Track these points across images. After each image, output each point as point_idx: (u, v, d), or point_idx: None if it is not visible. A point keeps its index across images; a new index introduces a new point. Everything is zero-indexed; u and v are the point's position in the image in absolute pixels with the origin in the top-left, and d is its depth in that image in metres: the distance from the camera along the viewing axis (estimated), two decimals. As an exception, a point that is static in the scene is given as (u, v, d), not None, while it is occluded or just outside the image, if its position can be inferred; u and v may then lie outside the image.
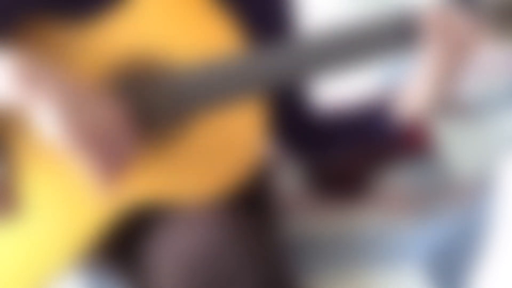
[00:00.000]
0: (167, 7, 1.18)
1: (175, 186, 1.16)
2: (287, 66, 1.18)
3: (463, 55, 1.19)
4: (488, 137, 1.40)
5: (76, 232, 1.17)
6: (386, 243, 1.34)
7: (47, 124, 1.07)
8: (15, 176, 1.18)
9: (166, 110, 1.18)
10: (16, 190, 1.18)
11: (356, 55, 1.18)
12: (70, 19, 1.18)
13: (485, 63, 1.43)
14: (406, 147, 1.27)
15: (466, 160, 1.39)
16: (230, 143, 1.17)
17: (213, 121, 1.18)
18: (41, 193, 1.17)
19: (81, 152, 1.07)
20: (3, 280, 1.17)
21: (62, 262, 1.17)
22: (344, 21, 1.20)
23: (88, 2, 1.19)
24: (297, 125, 1.32)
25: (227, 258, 1.08)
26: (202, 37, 1.18)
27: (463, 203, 1.39)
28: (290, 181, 1.39)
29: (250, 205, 1.20)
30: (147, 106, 1.18)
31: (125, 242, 1.23)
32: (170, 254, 1.10)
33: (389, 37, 1.18)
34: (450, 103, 1.39)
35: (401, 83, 1.25)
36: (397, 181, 1.39)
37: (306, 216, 1.37)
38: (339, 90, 1.42)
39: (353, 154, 1.30)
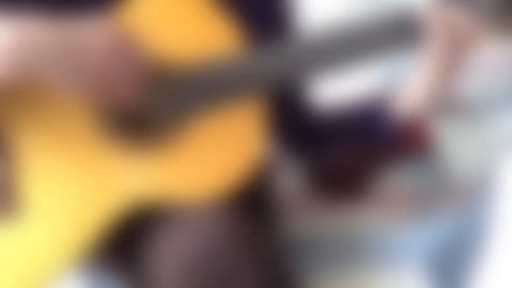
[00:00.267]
0: (167, 7, 1.18)
1: (175, 185, 1.16)
2: (287, 66, 1.18)
3: (463, 54, 1.19)
4: (488, 137, 1.40)
5: (77, 232, 1.17)
6: (386, 243, 1.34)
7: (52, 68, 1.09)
8: (16, 176, 1.18)
9: (166, 110, 1.18)
10: (16, 190, 1.18)
11: (356, 54, 1.18)
12: (71, 17, 1.18)
13: (485, 63, 1.43)
14: (406, 147, 1.27)
15: (466, 160, 1.39)
16: (230, 142, 1.17)
17: (213, 121, 1.18)
18: (41, 193, 1.17)
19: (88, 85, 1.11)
20: (3, 280, 1.17)
21: (63, 262, 1.17)
22: (343, 21, 1.20)
23: (88, 2, 1.19)
24: (297, 124, 1.32)
25: (227, 258, 1.08)
26: (202, 37, 1.18)
27: (463, 203, 1.39)
28: (290, 181, 1.39)
29: (250, 205, 1.20)
30: (147, 106, 1.18)
31: (125, 242, 1.23)
32: (170, 254, 1.10)
33: (388, 36, 1.18)
34: (450, 102, 1.39)
35: (401, 82, 1.25)
36: (397, 181, 1.38)
37: (306, 216, 1.37)
38: (339, 90, 1.42)
39: (353, 154, 1.30)
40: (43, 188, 1.17)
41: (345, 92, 1.41)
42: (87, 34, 1.12)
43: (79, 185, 1.17)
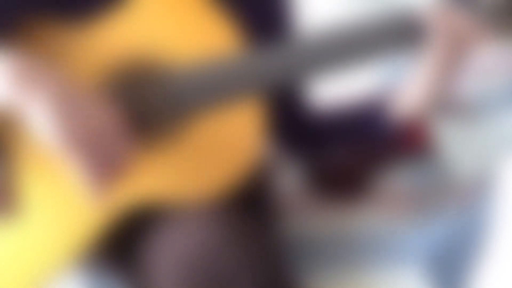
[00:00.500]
0: (166, 8, 1.18)
1: (174, 186, 1.16)
2: (287, 66, 1.18)
3: (463, 55, 1.19)
4: (488, 137, 1.40)
5: (76, 232, 1.17)
6: (386, 243, 1.34)
7: (41, 124, 1.07)
8: (14, 176, 1.18)
9: (165, 110, 1.18)
10: (15, 190, 1.18)
11: (355, 55, 1.18)
12: (70, 19, 1.18)
13: (485, 63, 1.43)
14: (406, 147, 1.27)
15: (466, 160, 1.39)
16: (230, 143, 1.17)
17: (212, 121, 1.18)
18: (40, 193, 1.17)
19: (74, 153, 1.07)
20: (2, 280, 1.17)
21: (62, 262, 1.17)
22: (343, 21, 1.20)
23: (87, 3, 1.19)
24: (296, 124, 1.32)
25: (227, 258, 1.08)
26: (201, 37, 1.18)
27: (463, 203, 1.39)
28: (290, 181, 1.39)
29: (250, 205, 1.20)
30: (147, 106, 1.18)
31: (124, 242, 1.23)
32: (169, 254, 1.10)
33: (388, 36, 1.18)
34: (450, 103, 1.39)
35: (401, 82, 1.25)
36: (397, 181, 1.38)
37: (306, 216, 1.37)
38: (339, 90, 1.42)
39: (353, 154, 1.30)
40: (43, 188, 1.17)
41: (345, 92, 1.41)
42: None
43: (77, 186, 1.17)
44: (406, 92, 1.24)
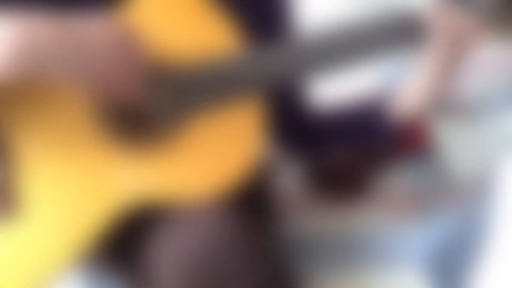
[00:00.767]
0: (167, 7, 1.18)
1: (175, 185, 1.16)
2: (287, 66, 1.18)
3: (463, 55, 1.19)
4: (488, 137, 1.40)
5: (76, 232, 1.17)
6: (386, 243, 1.34)
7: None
8: (15, 176, 1.18)
9: (166, 110, 1.18)
10: (16, 190, 1.18)
11: (355, 54, 1.18)
12: (72, 17, 1.18)
13: (485, 63, 1.43)
14: (406, 147, 1.27)
15: (466, 160, 1.39)
16: (230, 142, 1.17)
17: (213, 121, 1.18)
18: (41, 193, 1.17)
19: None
20: (3, 280, 1.17)
21: (62, 262, 1.17)
22: (343, 21, 1.20)
23: (88, 2, 1.19)
24: (296, 124, 1.32)
25: (227, 258, 1.08)
26: (202, 37, 1.18)
27: (463, 203, 1.39)
28: (290, 181, 1.39)
29: (250, 205, 1.20)
30: (147, 106, 1.18)
31: (125, 242, 1.23)
32: (170, 254, 1.10)
33: (388, 36, 1.18)
34: (450, 102, 1.39)
35: (401, 82, 1.25)
36: (397, 181, 1.38)
37: (306, 216, 1.37)
38: (339, 90, 1.42)
39: (353, 154, 1.30)
40: (43, 188, 1.17)
41: (345, 92, 1.41)
42: (89, 31, 1.13)
43: (79, 185, 1.17)
44: (406, 92, 1.24)
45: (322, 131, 1.31)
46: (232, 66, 1.17)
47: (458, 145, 1.39)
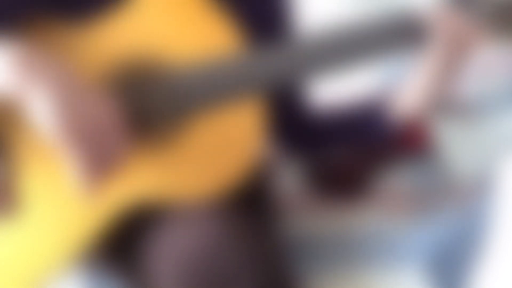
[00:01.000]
0: (167, 8, 1.18)
1: (174, 185, 1.16)
2: (287, 66, 1.18)
3: (463, 56, 1.19)
4: (488, 137, 1.40)
5: (76, 232, 1.17)
6: (386, 243, 1.34)
7: (41, 114, 1.07)
8: (15, 175, 1.18)
9: (166, 110, 1.18)
10: (16, 189, 1.18)
11: (356, 55, 1.18)
12: (72, 18, 1.18)
13: (485, 63, 1.43)
14: (406, 147, 1.27)
15: (466, 160, 1.39)
16: (230, 142, 1.17)
17: (212, 121, 1.18)
18: (40, 192, 1.17)
19: (71, 145, 1.07)
20: (2, 280, 1.17)
21: (61, 262, 1.17)
22: (343, 21, 1.20)
23: (89, 2, 1.19)
24: (296, 125, 1.32)
25: (227, 258, 1.08)
26: (202, 37, 1.18)
27: (463, 203, 1.39)
28: (290, 181, 1.39)
29: (250, 205, 1.20)
30: (147, 106, 1.18)
31: (124, 242, 1.23)
32: (169, 254, 1.10)
33: (388, 37, 1.18)
34: (450, 103, 1.39)
35: (401, 83, 1.25)
36: (397, 181, 1.38)
37: (306, 216, 1.37)
38: (339, 90, 1.42)
39: (353, 154, 1.30)
40: (43, 188, 1.17)
41: (345, 92, 1.41)
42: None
43: (73, 180, 1.17)
44: (406, 93, 1.24)
45: (322, 132, 1.31)
46: (233, 66, 1.17)
47: (458, 145, 1.39)
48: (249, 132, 1.18)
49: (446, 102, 1.32)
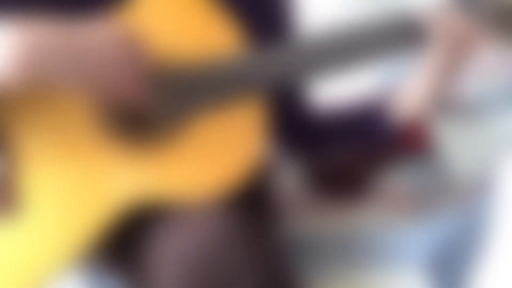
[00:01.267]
0: (168, 8, 1.18)
1: (175, 185, 1.17)
2: (288, 67, 1.18)
3: (464, 56, 1.19)
4: (488, 137, 1.40)
5: (76, 231, 1.17)
6: (386, 243, 1.34)
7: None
8: (16, 175, 1.18)
9: (167, 110, 1.18)
10: (16, 189, 1.18)
11: (356, 55, 1.18)
12: (73, 19, 1.19)
13: (485, 64, 1.43)
14: (406, 147, 1.27)
15: (466, 160, 1.39)
16: (230, 142, 1.17)
17: (214, 121, 1.18)
18: (41, 191, 1.17)
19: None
20: (2, 280, 1.17)
21: (62, 262, 1.17)
22: (343, 22, 1.20)
23: (90, 2, 1.20)
24: (297, 125, 1.32)
25: (227, 258, 1.08)
26: (203, 38, 1.18)
27: (463, 203, 1.39)
28: (290, 181, 1.39)
29: (250, 205, 1.20)
30: (148, 106, 1.18)
31: (125, 242, 1.23)
32: (170, 254, 1.10)
33: (388, 38, 1.18)
34: (450, 103, 1.39)
35: (401, 83, 1.26)
36: (397, 181, 1.39)
37: (306, 216, 1.37)
38: (339, 90, 1.42)
39: (353, 154, 1.30)
40: (43, 187, 1.17)
41: (346, 92, 1.41)
42: (92, 36, 1.13)
43: (79, 185, 1.17)
44: (406, 93, 1.24)
45: (323, 132, 1.31)
46: (234, 67, 1.17)
47: (458, 145, 1.39)
48: (250, 132, 1.18)
49: (446, 103, 1.32)
